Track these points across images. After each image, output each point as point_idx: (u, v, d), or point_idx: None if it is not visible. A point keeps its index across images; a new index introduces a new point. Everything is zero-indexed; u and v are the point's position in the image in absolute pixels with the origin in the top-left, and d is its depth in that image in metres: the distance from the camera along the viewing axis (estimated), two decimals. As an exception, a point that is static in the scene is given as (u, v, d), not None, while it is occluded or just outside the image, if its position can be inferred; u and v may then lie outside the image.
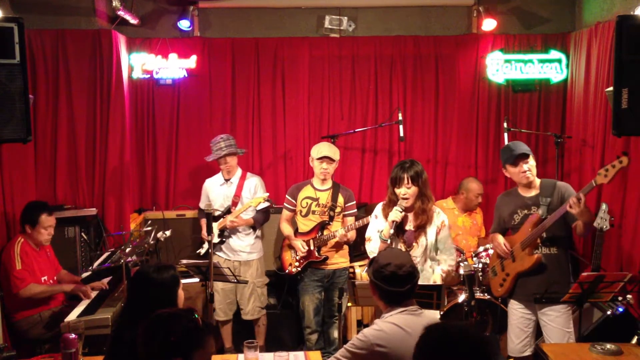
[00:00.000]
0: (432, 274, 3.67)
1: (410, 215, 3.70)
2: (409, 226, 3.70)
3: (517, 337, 3.84)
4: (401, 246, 3.69)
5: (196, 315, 2.16)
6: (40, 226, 4.22)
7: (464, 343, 1.75)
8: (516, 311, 3.85)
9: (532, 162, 3.74)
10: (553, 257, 3.69)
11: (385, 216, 3.70)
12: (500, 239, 3.86)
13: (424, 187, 3.64)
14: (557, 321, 3.66)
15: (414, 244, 3.66)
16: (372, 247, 3.76)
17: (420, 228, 3.66)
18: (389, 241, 3.62)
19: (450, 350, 1.74)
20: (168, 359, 2.04)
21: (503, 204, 3.94)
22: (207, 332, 2.12)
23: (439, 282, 3.57)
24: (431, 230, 3.67)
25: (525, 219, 3.74)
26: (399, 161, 3.77)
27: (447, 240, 3.71)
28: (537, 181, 3.78)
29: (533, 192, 3.77)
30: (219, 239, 4.79)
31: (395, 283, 2.61)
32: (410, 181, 3.60)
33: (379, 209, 3.83)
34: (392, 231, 3.61)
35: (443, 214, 3.75)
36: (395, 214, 3.60)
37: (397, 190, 3.63)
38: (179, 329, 2.07)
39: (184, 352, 2.04)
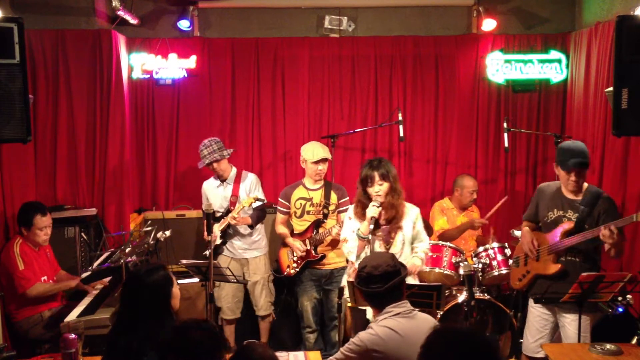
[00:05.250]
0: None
1: (384, 211, 3.73)
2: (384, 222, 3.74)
3: (532, 336, 3.81)
4: (380, 244, 3.71)
5: (212, 328, 2.19)
6: (35, 227, 4.21)
7: (471, 345, 1.74)
8: (535, 310, 3.80)
9: (584, 169, 3.59)
10: (576, 265, 3.61)
11: (359, 217, 3.74)
12: (530, 235, 3.77)
13: (394, 183, 3.72)
14: (574, 325, 3.58)
15: (391, 240, 3.70)
16: (350, 247, 3.79)
17: (393, 223, 3.70)
18: (368, 238, 3.66)
19: (458, 353, 1.74)
20: None
21: (543, 196, 3.81)
22: (222, 346, 2.15)
23: (418, 264, 3.72)
24: (407, 225, 3.72)
25: (559, 220, 3.66)
26: (367, 160, 3.81)
27: (422, 233, 3.82)
28: (585, 186, 3.65)
29: (577, 197, 3.64)
30: (221, 240, 4.81)
31: (372, 284, 2.65)
32: (381, 178, 3.66)
33: (351, 211, 3.86)
34: (372, 227, 3.63)
35: (414, 207, 3.83)
36: (374, 210, 3.64)
37: (369, 189, 3.68)
38: (197, 342, 2.10)
39: None
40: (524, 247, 3.81)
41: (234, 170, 4.89)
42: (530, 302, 3.86)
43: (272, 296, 4.97)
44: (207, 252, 4.82)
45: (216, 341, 2.14)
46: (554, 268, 3.64)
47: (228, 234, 4.81)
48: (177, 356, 2.10)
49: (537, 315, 3.79)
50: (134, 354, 2.52)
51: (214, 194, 4.89)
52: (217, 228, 4.76)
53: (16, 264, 4.10)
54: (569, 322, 3.63)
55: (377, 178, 3.66)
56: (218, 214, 4.83)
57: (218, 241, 4.80)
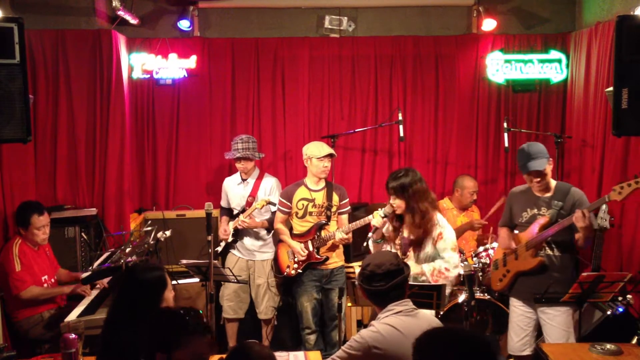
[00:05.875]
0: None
1: (406, 228, 3.69)
2: (407, 233, 3.68)
3: (516, 335, 3.84)
4: (397, 252, 3.69)
5: (192, 314, 2.17)
6: (32, 227, 4.20)
7: (472, 345, 1.74)
8: (517, 309, 3.85)
9: (547, 170, 3.67)
10: (556, 259, 3.68)
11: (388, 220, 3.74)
12: (506, 234, 3.86)
13: (411, 200, 3.58)
14: (556, 320, 3.65)
15: (408, 253, 3.66)
16: (370, 247, 3.83)
17: (418, 240, 3.61)
18: (377, 243, 3.69)
19: (458, 353, 1.73)
20: (153, 353, 2.10)
21: (515, 199, 3.91)
22: (192, 333, 2.13)
23: (427, 275, 3.57)
24: (427, 243, 3.62)
25: (533, 219, 3.73)
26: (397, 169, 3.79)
27: (444, 252, 3.61)
28: (553, 183, 3.75)
29: (547, 194, 3.74)
30: (233, 238, 4.84)
31: (375, 282, 2.64)
32: (393, 192, 3.61)
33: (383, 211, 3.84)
34: (370, 235, 3.66)
35: (442, 225, 3.64)
36: (376, 220, 3.65)
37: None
38: (164, 326, 2.11)
39: (166, 348, 2.10)
40: (502, 244, 3.88)
41: (257, 171, 4.91)
42: (512, 301, 3.89)
43: (275, 301, 4.93)
44: (218, 249, 4.87)
45: (180, 328, 2.14)
46: (533, 262, 3.68)
47: (241, 232, 4.82)
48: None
49: (519, 314, 3.83)
50: (128, 353, 2.51)
51: (234, 192, 4.91)
52: (231, 225, 4.80)
53: (13, 265, 4.09)
54: (551, 318, 3.67)
55: (390, 191, 3.62)
56: (235, 212, 4.86)
57: (230, 239, 4.83)
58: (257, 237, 4.83)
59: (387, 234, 3.77)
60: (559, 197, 3.67)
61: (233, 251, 4.89)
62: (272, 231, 4.86)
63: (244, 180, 4.89)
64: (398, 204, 3.62)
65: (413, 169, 3.73)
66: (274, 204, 4.71)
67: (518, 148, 3.84)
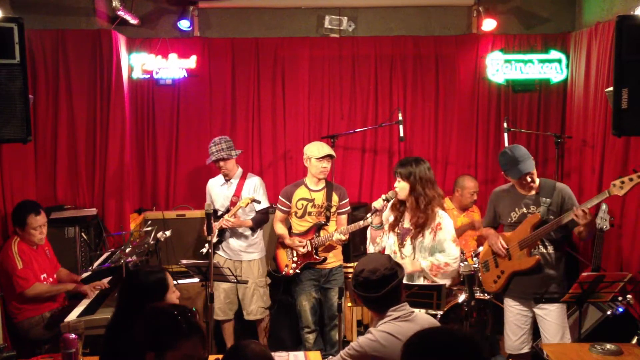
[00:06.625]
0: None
1: (408, 213, 3.69)
2: (407, 224, 3.68)
3: (514, 334, 3.85)
4: (395, 242, 3.70)
5: (186, 315, 2.16)
6: (29, 227, 4.18)
7: (444, 345, 1.73)
8: (512, 308, 3.86)
9: (534, 169, 3.72)
10: (550, 257, 3.71)
11: (391, 208, 3.77)
12: (496, 236, 3.84)
13: (418, 186, 3.59)
14: (552, 315, 3.69)
15: (404, 242, 3.65)
16: (370, 235, 3.87)
17: (418, 227, 3.61)
18: (376, 228, 3.73)
19: (430, 354, 1.73)
20: (143, 351, 2.09)
21: (500, 199, 3.93)
22: (185, 334, 2.11)
23: (415, 266, 3.58)
24: (426, 233, 3.62)
25: (523, 218, 3.74)
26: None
27: (444, 243, 3.60)
28: (537, 180, 3.78)
29: (532, 192, 3.77)
30: (217, 239, 4.80)
31: (370, 288, 2.61)
32: (398, 175, 3.64)
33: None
34: (369, 217, 3.71)
35: (441, 216, 3.64)
36: (377, 201, 3.67)
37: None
38: (156, 326, 2.11)
39: (157, 347, 2.08)
40: (493, 248, 3.85)
41: (239, 170, 4.90)
42: (507, 301, 3.90)
43: (265, 302, 4.90)
44: (203, 250, 4.85)
45: (171, 327, 2.13)
46: (531, 261, 3.68)
47: (225, 232, 4.80)
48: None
49: (516, 313, 3.85)
50: (130, 355, 2.51)
51: (217, 192, 4.90)
52: (216, 226, 4.77)
53: (15, 264, 4.09)
54: (546, 314, 3.71)
55: (397, 175, 3.66)
56: (219, 213, 4.84)
57: (214, 239, 4.80)
58: (243, 237, 4.80)
59: (387, 223, 3.77)
60: (546, 194, 3.70)
61: (218, 252, 4.84)
62: (259, 231, 4.85)
63: (227, 180, 4.88)
64: (402, 186, 3.61)
65: (424, 160, 3.74)
66: (259, 202, 4.69)
67: (500, 153, 3.84)
